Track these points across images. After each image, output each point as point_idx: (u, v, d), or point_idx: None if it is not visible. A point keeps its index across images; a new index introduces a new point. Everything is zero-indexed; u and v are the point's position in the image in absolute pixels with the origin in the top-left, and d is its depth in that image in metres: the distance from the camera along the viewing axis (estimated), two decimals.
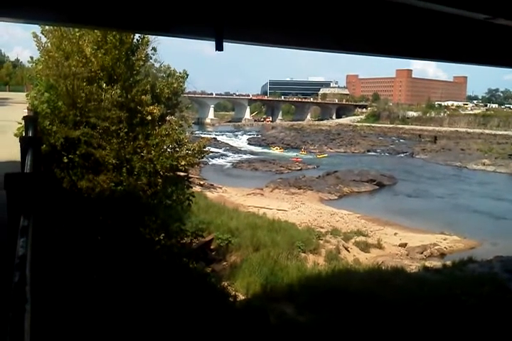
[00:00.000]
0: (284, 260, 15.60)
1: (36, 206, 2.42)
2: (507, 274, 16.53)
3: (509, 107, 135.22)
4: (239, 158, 58.98)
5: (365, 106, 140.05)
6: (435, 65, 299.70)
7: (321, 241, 19.70)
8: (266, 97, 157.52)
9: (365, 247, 20.78)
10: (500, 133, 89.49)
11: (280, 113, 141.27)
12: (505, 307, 11.59)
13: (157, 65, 11.55)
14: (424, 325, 10.36)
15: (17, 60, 67.03)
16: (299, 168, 49.91)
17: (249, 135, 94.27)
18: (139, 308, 6.99)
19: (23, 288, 1.35)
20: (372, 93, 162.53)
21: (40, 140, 5.97)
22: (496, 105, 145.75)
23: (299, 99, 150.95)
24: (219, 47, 5.37)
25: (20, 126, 7.70)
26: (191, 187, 11.77)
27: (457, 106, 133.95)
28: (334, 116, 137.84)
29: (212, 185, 35.08)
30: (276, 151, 68.27)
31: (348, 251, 19.84)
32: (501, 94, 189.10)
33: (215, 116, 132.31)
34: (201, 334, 7.81)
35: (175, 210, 10.54)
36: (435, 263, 18.97)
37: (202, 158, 11.99)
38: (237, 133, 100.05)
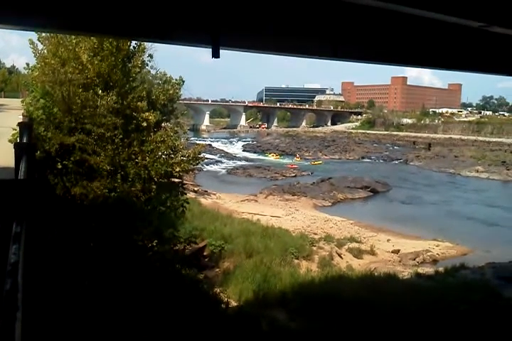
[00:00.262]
0: (277, 266, 15.59)
1: (29, 212, 2.46)
2: (499, 281, 16.60)
3: (503, 114, 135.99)
4: (234, 165, 58.91)
5: (360, 113, 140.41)
6: (430, 73, 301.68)
7: (315, 248, 19.71)
8: (261, 104, 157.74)
9: (358, 253, 20.79)
10: (494, 140, 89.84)
11: (275, 120, 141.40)
12: (497, 313, 11.65)
13: (153, 72, 11.64)
14: (416, 331, 10.39)
15: (13, 66, 66.88)
16: (293, 174, 49.92)
17: (245, 141, 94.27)
18: (131, 314, 7.00)
19: (15, 295, 1.33)
20: (367, 100, 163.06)
21: (35, 146, 6.01)
22: (490, 112, 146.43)
23: (295, 106, 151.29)
24: (215, 55, 5.44)
25: (15, 132, 7.73)
26: (185, 194, 11.80)
27: (451, 114, 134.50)
28: (329, 123, 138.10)
29: (206, 191, 35.04)
30: (272, 158, 68.19)
31: (341, 257, 19.86)
32: (495, 102, 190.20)
33: (210, 123, 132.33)
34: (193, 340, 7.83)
35: (168, 216, 10.56)
36: (428, 270, 19.01)
37: (197, 164, 12.03)
38: (232, 139, 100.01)
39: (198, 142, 39.22)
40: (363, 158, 73.50)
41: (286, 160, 64.13)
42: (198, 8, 5.57)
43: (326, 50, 7.29)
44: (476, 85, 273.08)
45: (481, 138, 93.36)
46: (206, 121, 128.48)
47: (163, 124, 11.29)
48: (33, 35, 9.71)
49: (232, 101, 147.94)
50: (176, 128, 11.54)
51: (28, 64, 10.15)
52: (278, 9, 6.22)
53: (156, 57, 10.91)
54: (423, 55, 8.59)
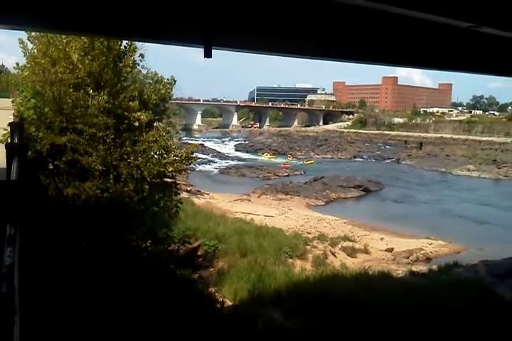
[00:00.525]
0: (272, 266, 15.56)
1: (23, 214, 2.41)
2: (492, 278, 16.68)
3: (493, 114, 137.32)
4: (226, 164, 58.87)
5: (352, 113, 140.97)
6: (421, 73, 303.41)
7: (308, 247, 19.72)
8: (253, 104, 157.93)
9: (351, 252, 20.83)
10: (485, 139, 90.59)
11: (267, 119, 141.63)
12: (490, 310, 11.71)
13: (144, 72, 11.56)
14: (411, 329, 10.41)
15: (2, 65, 66.26)
16: (286, 174, 49.93)
17: (237, 141, 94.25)
18: (126, 315, 6.95)
19: (12, 298, 1.30)
20: (358, 100, 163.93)
21: (27, 146, 5.94)
22: (481, 112, 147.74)
23: (287, 106, 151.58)
24: (207, 54, 5.39)
25: (5, 132, 7.64)
26: (179, 194, 11.74)
27: (442, 113, 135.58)
28: (321, 123, 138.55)
29: (199, 191, 34.96)
30: (265, 158, 68.07)
31: (335, 256, 19.89)
32: (486, 101, 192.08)
33: (202, 123, 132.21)
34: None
35: (162, 217, 10.50)
36: (421, 268, 19.08)
37: (190, 164, 11.98)
38: (224, 139, 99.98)
39: (190, 142, 39.12)
40: (355, 157, 73.76)
41: (279, 160, 64.14)
42: (190, 7, 5.52)
43: (318, 50, 7.28)
44: (467, 85, 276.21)
45: (471, 137, 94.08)
46: (198, 120, 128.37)
47: (155, 124, 11.22)
48: (22, 35, 9.63)
49: (224, 101, 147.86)
50: (168, 128, 11.46)
51: (18, 63, 10.04)
52: (271, 9, 6.19)
53: (146, 57, 10.85)
54: (414, 55, 8.61)
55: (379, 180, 44.62)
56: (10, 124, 6.28)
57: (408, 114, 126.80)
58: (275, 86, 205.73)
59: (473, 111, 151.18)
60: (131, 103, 10.01)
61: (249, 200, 33.62)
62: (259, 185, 40.65)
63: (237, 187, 39.79)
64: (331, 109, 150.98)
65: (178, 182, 12.75)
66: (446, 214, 32.15)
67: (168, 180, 11.16)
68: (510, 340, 10.37)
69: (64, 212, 7.94)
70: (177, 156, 10.88)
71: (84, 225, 8.15)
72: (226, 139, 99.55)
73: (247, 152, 76.11)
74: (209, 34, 5.34)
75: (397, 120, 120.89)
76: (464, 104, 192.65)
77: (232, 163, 61.49)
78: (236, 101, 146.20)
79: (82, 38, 9.33)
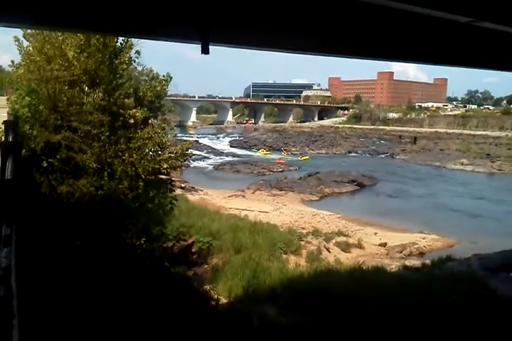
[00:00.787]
0: (266, 262, 15.61)
1: (18, 214, 2.44)
2: (485, 272, 16.84)
3: (488, 108, 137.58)
4: (221, 161, 58.86)
5: (347, 108, 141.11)
6: (416, 67, 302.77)
7: (303, 242, 19.81)
8: (248, 100, 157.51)
9: (345, 247, 20.95)
10: (479, 133, 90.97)
11: (263, 115, 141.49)
12: (483, 303, 11.83)
13: (140, 68, 11.53)
14: (405, 323, 10.50)
15: None
16: (280, 169, 50.03)
17: (232, 137, 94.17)
18: (121, 312, 6.99)
19: (10, 302, 1.28)
20: (354, 95, 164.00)
21: (21, 145, 5.94)
22: (475, 106, 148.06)
23: (282, 102, 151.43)
24: (205, 51, 5.37)
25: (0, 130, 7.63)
26: (174, 191, 11.75)
27: (437, 108, 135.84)
28: (316, 118, 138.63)
29: (193, 187, 34.96)
30: (261, 154, 67.98)
31: (329, 251, 19.99)
32: (480, 96, 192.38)
33: (197, 119, 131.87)
34: (184, 339, 7.84)
35: (156, 214, 10.52)
36: (415, 262, 19.23)
37: (185, 161, 11.98)
38: (219, 135, 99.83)
39: (185, 138, 39.12)
40: (349, 152, 73.96)
41: (275, 156, 64.17)
42: (187, 2, 5.52)
43: (315, 45, 7.28)
44: (461, 79, 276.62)
45: (466, 132, 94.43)
46: (193, 117, 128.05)
47: (150, 121, 11.21)
48: (18, 32, 9.59)
49: (219, 97, 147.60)
50: (163, 125, 11.46)
51: (13, 61, 9.98)
52: (269, 4, 6.19)
53: (142, 53, 10.81)
54: (412, 50, 8.60)
55: (373, 175, 44.80)
56: (4, 122, 6.27)
57: (403, 109, 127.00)
58: (270, 82, 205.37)
59: (467, 105, 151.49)
60: (126, 100, 9.98)
61: (243, 196, 33.69)
62: (253, 180, 40.72)
63: (232, 183, 39.84)
64: (326, 104, 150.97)
65: (172, 178, 12.76)
66: (440, 208, 32.36)
67: (163, 176, 11.17)
68: (503, 333, 10.48)
69: (58, 210, 7.95)
70: (172, 153, 10.88)
71: (78, 223, 8.17)
72: (221, 135, 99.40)
73: (241, 148, 76.09)
74: (206, 30, 5.33)
75: (392, 115, 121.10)
76: (459, 98, 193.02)
77: (227, 159, 61.47)
78: (231, 98, 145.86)
79: (78, 35, 9.29)
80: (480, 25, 6.69)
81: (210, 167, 53.21)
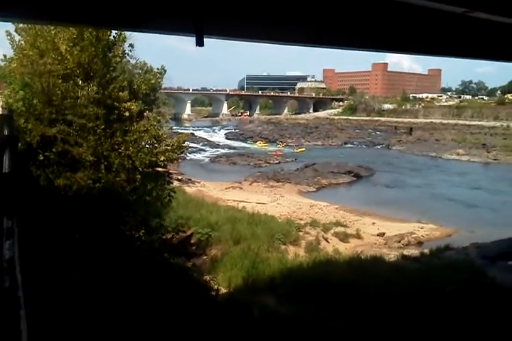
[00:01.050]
0: (265, 252, 15.67)
1: (18, 206, 2.41)
2: (483, 260, 16.93)
3: (482, 98, 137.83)
4: (217, 153, 58.82)
5: (342, 100, 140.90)
6: (410, 58, 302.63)
7: (301, 233, 19.86)
8: (243, 92, 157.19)
9: (344, 237, 21.01)
10: (474, 123, 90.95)
11: (258, 107, 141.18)
12: (481, 292, 11.90)
13: (133, 62, 11.46)
14: (404, 312, 10.55)
15: None
16: (277, 161, 50.05)
17: (227, 130, 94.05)
18: (121, 304, 6.99)
19: (16, 293, 1.28)
20: (348, 86, 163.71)
21: (17, 138, 5.89)
22: (470, 97, 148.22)
23: (276, 94, 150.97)
24: (199, 43, 5.31)
25: None
26: (172, 183, 11.75)
27: (432, 98, 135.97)
28: (311, 110, 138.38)
29: (190, 179, 34.95)
30: (258, 146, 67.85)
31: (327, 241, 20.05)
32: (474, 86, 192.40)
33: (192, 112, 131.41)
34: (185, 329, 7.85)
35: (154, 206, 10.51)
36: (413, 252, 19.31)
37: (181, 153, 11.98)
38: (214, 128, 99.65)
39: (180, 131, 38.95)
40: (345, 143, 74.03)
41: (272, 148, 64.16)
42: None
43: (311, 37, 7.23)
44: (456, 70, 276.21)
45: (461, 122, 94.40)
46: (188, 110, 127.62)
47: (145, 114, 11.17)
48: (9, 27, 9.52)
49: (214, 90, 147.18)
50: (158, 118, 11.42)
51: (5, 55, 9.92)
52: None
53: (135, 45, 10.74)
54: (406, 41, 8.57)
55: (370, 166, 44.89)
56: None
57: (398, 100, 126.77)
58: (265, 74, 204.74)
59: (462, 96, 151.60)
60: (121, 93, 9.95)
61: (240, 188, 33.70)
62: (250, 172, 40.73)
63: (229, 175, 39.83)
64: (321, 96, 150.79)
65: (169, 171, 12.75)
66: (437, 198, 32.48)
67: (160, 169, 11.16)
68: (501, 320, 10.55)
69: (55, 203, 7.92)
70: (168, 146, 10.86)
71: (76, 216, 8.14)
72: (216, 128, 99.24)
73: (237, 140, 76.08)
74: (201, 22, 5.26)
75: (387, 106, 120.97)
76: (453, 89, 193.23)
77: (223, 151, 61.45)
78: (226, 90, 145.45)
79: (71, 28, 9.22)
80: (475, 16, 6.68)
81: (207, 159, 53.17)
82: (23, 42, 9.54)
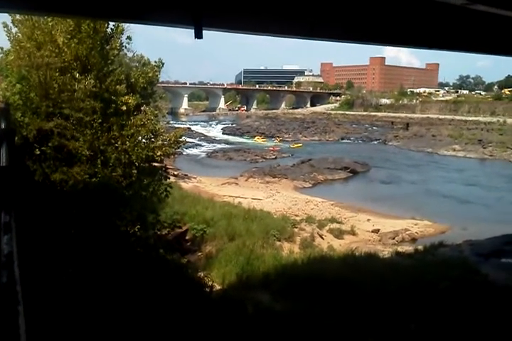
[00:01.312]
0: (260, 249, 15.69)
1: (15, 201, 2.42)
2: (476, 257, 17.01)
3: (479, 93, 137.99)
4: (213, 148, 58.77)
5: (339, 94, 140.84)
6: (408, 53, 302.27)
7: (296, 229, 19.92)
8: (240, 86, 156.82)
9: (339, 234, 21.10)
10: (471, 119, 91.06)
11: (255, 102, 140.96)
12: (474, 289, 11.98)
13: (130, 55, 11.40)
14: (398, 309, 10.62)
15: None
16: (273, 156, 50.07)
17: (224, 124, 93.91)
18: (116, 300, 7.01)
19: (14, 288, 1.28)
20: (346, 81, 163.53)
21: (15, 132, 5.88)
22: (467, 91, 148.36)
23: (274, 88, 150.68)
24: (198, 35, 5.31)
25: None
26: (169, 178, 11.73)
27: (429, 93, 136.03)
28: (309, 105, 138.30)
29: (186, 175, 34.93)
30: (257, 141, 67.75)
31: (322, 238, 20.12)
32: (472, 81, 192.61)
33: (189, 106, 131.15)
34: (179, 326, 7.88)
35: (150, 201, 10.50)
36: (407, 248, 19.38)
37: (178, 148, 11.94)
38: (211, 122, 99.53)
39: (177, 126, 38.92)
40: (342, 139, 74.12)
41: (270, 143, 64.11)
42: None
43: (307, 29, 7.21)
44: (453, 65, 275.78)
45: (458, 117, 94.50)
46: (185, 104, 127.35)
47: (142, 108, 11.13)
48: (6, 18, 9.44)
49: (211, 84, 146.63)
50: (155, 112, 11.37)
51: (1, 48, 9.84)
52: None
53: (132, 39, 10.67)
54: (404, 34, 8.53)
55: (366, 162, 44.95)
56: None
57: (395, 94, 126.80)
58: (262, 68, 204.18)
59: (459, 90, 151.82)
60: (118, 87, 9.89)
61: (236, 184, 33.71)
62: (246, 168, 40.73)
63: (225, 171, 39.83)
64: (318, 90, 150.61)
65: (166, 166, 12.73)
66: (432, 195, 32.59)
67: (157, 164, 11.13)
68: (493, 316, 10.63)
69: (51, 198, 7.91)
70: (165, 140, 10.83)
71: (72, 211, 8.13)
72: (213, 122, 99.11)
73: (234, 135, 76.02)
74: (199, 14, 5.25)
75: (384, 101, 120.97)
76: (451, 83, 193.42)
77: (220, 146, 61.40)
78: (223, 84, 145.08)
79: (68, 20, 9.15)
80: (474, 8, 6.65)
81: (203, 154, 53.12)
82: (20, 34, 9.45)
